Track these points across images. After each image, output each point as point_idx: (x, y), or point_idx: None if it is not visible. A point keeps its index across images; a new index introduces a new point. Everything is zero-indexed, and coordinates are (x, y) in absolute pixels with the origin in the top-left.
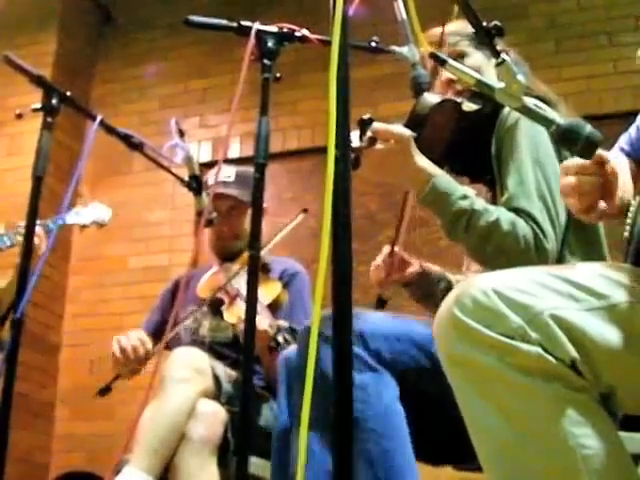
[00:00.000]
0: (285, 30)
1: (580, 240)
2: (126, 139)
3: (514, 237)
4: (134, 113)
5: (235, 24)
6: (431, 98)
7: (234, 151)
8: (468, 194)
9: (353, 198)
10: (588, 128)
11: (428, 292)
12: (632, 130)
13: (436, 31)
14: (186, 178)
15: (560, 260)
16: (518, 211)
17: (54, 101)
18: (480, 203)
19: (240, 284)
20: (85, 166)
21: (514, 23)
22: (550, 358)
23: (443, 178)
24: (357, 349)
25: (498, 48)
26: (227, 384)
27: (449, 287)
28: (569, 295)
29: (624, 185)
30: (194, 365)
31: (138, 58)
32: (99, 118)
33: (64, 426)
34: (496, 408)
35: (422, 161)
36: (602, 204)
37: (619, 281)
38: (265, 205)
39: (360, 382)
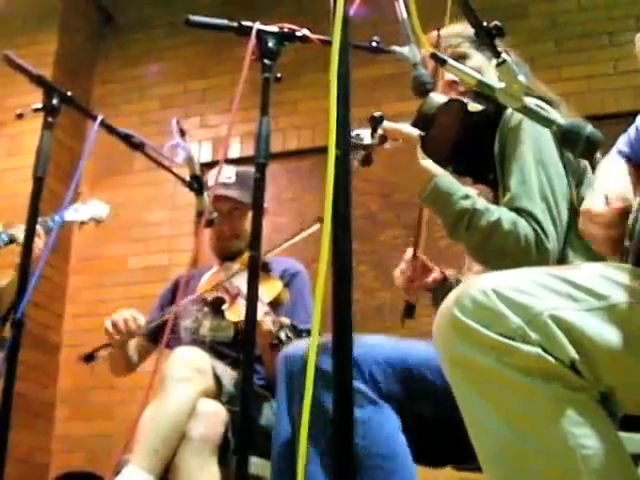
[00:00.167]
0: (286, 30)
1: (582, 240)
2: (127, 139)
3: (515, 237)
4: (134, 113)
5: (235, 24)
6: (438, 98)
7: (234, 151)
8: (470, 194)
9: (353, 198)
10: (589, 128)
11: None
12: (631, 131)
13: (436, 33)
14: (187, 178)
15: (562, 260)
16: (520, 211)
17: (55, 101)
18: (482, 203)
19: (241, 283)
20: (85, 166)
21: (514, 23)
22: (550, 358)
23: (445, 178)
24: (357, 383)
25: (499, 48)
26: (228, 384)
27: None
28: (568, 295)
29: (626, 192)
30: (195, 365)
31: (138, 58)
32: (100, 118)
33: (64, 426)
34: (496, 408)
35: (425, 161)
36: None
37: (619, 281)
38: (265, 205)
39: (361, 418)
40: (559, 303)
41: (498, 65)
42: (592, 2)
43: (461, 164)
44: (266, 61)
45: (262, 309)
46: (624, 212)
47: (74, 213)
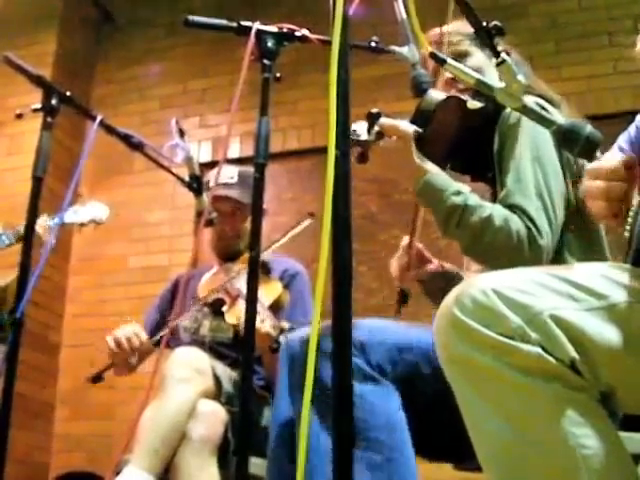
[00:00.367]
0: (285, 30)
1: (580, 240)
2: (126, 139)
3: (507, 233)
4: (134, 113)
5: (235, 24)
6: (436, 95)
7: (234, 151)
8: (462, 190)
9: (353, 198)
10: (588, 128)
11: (442, 289)
12: (631, 129)
13: (437, 31)
14: (186, 178)
15: (561, 261)
16: (513, 207)
17: (54, 101)
18: (474, 199)
19: (241, 284)
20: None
21: (514, 23)
22: (550, 358)
23: (437, 174)
24: (357, 360)
25: (499, 48)
26: (227, 384)
27: None
28: (568, 295)
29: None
30: (194, 365)
31: (138, 58)
32: (99, 118)
33: (64, 426)
34: (496, 408)
35: (420, 158)
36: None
37: (619, 281)
38: (265, 205)
39: (361, 392)
40: (559, 303)
41: (497, 65)
42: (592, 2)
43: (459, 161)
44: (265, 61)
45: (262, 313)
46: (631, 166)
47: (73, 215)
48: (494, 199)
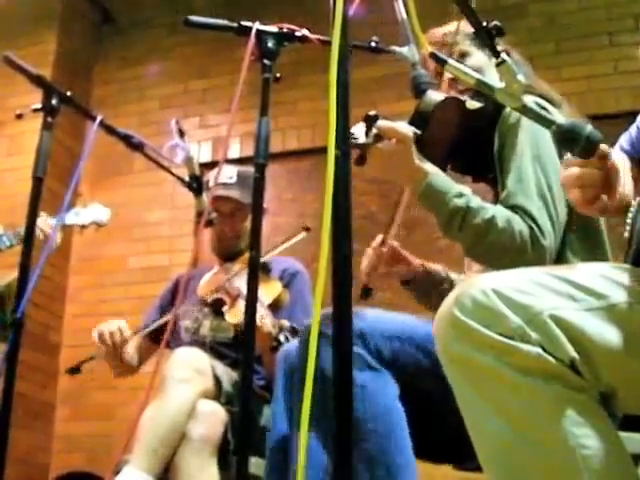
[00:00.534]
0: (285, 30)
1: (582, 241)
2: (126, 139)
3: (510, 234)
4: (134, 113)
5: (235, 24)
6: (435, 96)
7: (234, 151)
8: (464, 192)
9: (353, 198)
10: (588, 128)
11: (428, 292)
12: (632, 129)
13: (438, 31)
14: (186, 178)
15: (562, 261)
16: (515, 208)
17: (54, 101)
18: (476, 201)
19: (241, 284)
20: (85, 166)
21: (514, 23)
22: (550, 358)
23: (439, 177)
24: (357, 348)
25: (499, 48)
26: (227, 384)
27: (452, 288)
28: (568, 295)
29: (624, 181)
30: (194, 365)
31: (138, 58)
32: (99, 118)
33: (64, 426)
34: (496, 408)
35: (420, 160)
36: (604, 197)
37: (619, 281)
38: (265, 206)
39: (360, 381)
40: (559, 303)
41: (497, 65)
42: (592, 2)
43: (460, 162)
44: (266, 61)
45: (262, 311)
46: (603, 156)
47: (75, 217)
48: (496, 200)
